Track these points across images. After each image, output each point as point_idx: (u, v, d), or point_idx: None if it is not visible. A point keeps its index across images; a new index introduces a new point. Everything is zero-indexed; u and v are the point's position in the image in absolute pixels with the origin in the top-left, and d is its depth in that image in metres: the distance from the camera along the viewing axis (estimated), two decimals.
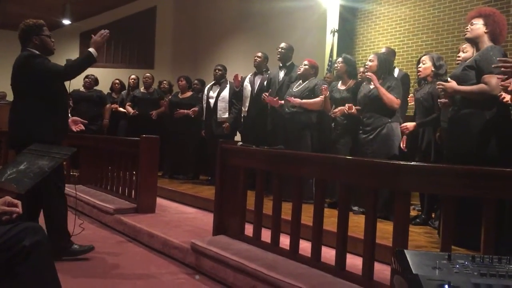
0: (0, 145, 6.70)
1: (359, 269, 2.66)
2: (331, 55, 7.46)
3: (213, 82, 6.49)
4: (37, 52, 3.45)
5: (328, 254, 3.00)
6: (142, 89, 7.34)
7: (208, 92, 6.42)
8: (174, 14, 11.52)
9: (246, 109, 5.98)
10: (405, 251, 1.22)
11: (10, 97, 9.63)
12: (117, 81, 8.12)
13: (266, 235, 3.35)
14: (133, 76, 7.86)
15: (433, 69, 4.24)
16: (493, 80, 3.17)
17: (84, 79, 7.13)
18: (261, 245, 3.33)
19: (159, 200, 5.13)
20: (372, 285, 2.55)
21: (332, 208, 4.37)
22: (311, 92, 5.04)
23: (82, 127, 3.86)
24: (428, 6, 7.02)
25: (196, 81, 7.26)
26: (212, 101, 6.33)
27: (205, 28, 10.72)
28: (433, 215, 4.18)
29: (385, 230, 3.38)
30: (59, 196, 3.55)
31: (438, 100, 3.86)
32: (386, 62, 4.55)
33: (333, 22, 7.61)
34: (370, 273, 2.58)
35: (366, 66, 4.59)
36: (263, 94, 5.58)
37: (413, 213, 4.41)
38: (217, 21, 10.28)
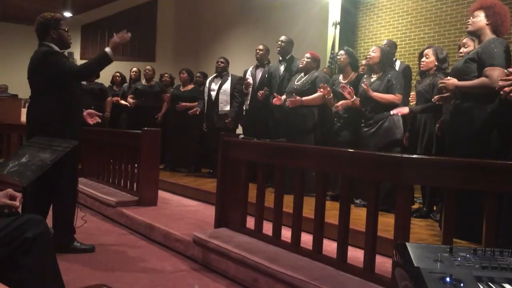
0: (3, 137, 6.69)
1: (361, 262, 2.67)
2: (332, 48, 7.43)
3: (215, 74, 6.47)
4: (55, 48, 3.47)
5: (330, 246, 3.01)
6: (143, 81, 7.33)
7: (210, 84, 6.41)
8: (175, 6, 11.48)
9: (248, 102, 5.97)
10: (407, 244, 1.22)
11: (12, 89, 9.64)
12: (118, 74, 8.11)
13: (267, 227, 3.36)
14: (134, 69, 7.84)
15: (436, 63, 4.22)
16: (495, 72, 3.15)
17: None
18: (263, 238, 3.34)
19: (161, 193, 5.14)
20: (373, 278, 2.56)
21: (333, 201, 4.38)
22: (313, 85, 5.03)
23: (98, 120, 3.90)
24: None
25: (198, 74, 7.24)
26: (213, 93, 6.32)
27: (206, 20, 10.70)
28: (434, 208, 4.19)
29: (386, 223, 3.38)
30: (73, 194, 3.59)
31: (439, 95, 3.86)
32: (388, 54, 4.54)
33: (335, 14, 7.58)
34: (371, 265, 2.59)
35: (368, 57, 4.57)
36: (258, 93, 5.57)
37: (414, 205, 4.42)
38: (219, 13, 10.25)
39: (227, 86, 6.25)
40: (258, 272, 2.90)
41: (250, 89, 5.92)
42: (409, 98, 4.83)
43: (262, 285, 2.87)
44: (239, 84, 6.18)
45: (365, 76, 4.65)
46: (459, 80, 3.37)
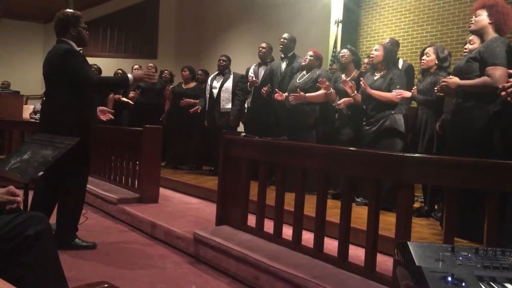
0: (5, 134, 6.71)
1: (362, 260, 2.67)
2: (335, 46, 7.42)
3: (217, 72, 6.47)
4: (75, 47, 3.47)
5: (331, 245, 3.01)
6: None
7: (212, 82, 6.41)
8: (177, 4, 11.46)
9: (250, 99, 5.97)
10: (408, 243, 1.22)
11: (14, 86, 9.65)
12: (120, 71, 8.10)
13: (268, 225, 3.36)
14: (136, 66, 7.85)
15: (436, 61, 4.22)
16: (497, 72, 3.15)
17: None
18: (264, 236, 3.34)
19: (162, 190, 5.15)
20: (374, 276, 2.56)
21: (335, 199, 4.38)
22: (315, 83, 5.02)
23: (111, 116, 3.91)
24: None
25: (200, 72, 7.25)
26: (215, 91, 6.32)
27: (208, 18, 10.68)
28: (435, 207, 4.19)
29: (387, 222, 3.38)
30: (81, 192, 3.61)
31: (441, 85, 3.86)
32: (391, 52, 4.53)
33: (337, 12, 7.56)
34: (372, 264, 2.59)
35: (372, 56, 4.56)
36: (262, 89, 5.58)
37: (416, 204, 4.41)
38: (221, 11, 10.23)
39: (229, 84, 6.25)
40: (259, 270, 2.90)
41: (253, 87, 5.93)
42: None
43: (263, 283, 2.87)
44: (241, 82, 6.19)
45: (367, 74, 4.65)
46: (461, 79, 3.36)
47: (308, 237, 3.11)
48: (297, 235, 3.10)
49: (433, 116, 4.14)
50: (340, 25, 7.53)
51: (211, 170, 6.54)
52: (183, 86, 7.00)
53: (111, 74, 8.09)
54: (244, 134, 3.82)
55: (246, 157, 3.57)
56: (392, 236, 2.77)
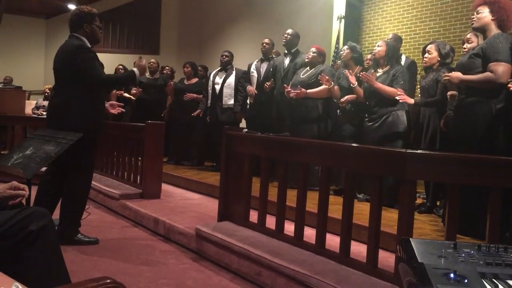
0: (7, 129, 6.72)
1: (364, 257, 2.67)
2: (337, 42, 7.40)
3: (219, 68, 6.46)
4: (87, 43, 3.47)
5: (333, 241, 3.01)
6: (147, 74, 7.32)
7: (214, 78, 6.40)
8: None
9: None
10: (411, 239, 1.22)
11: (16, 81, 9.64)
12: (121, 66, 8.09)
13: (270, 221, 3.36)
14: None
15: (439, 58, 4.21)
16: (500, 68, 3.14)
17: None
18: (266, 232, 3.35)
19: (164, 186, 5.16)
20: (376, 273, 2.56)
21: (337, 196, 4.38)
22: (318, 79, 5.01)
23: (122, 109, 3.94)
24: None
25: (199, 68, 7.24)
26: (217, 87, 6.31)
27: (210, 14, 10.65)
28: (438, 203, 4.19)
29: (389, 218, 3.39)
30: (85, 188, 3.62)
31: (448, 93, 3.86)
32: (394, 49, 4.52)
33: (339, 8, 7.53)
34: (374, 260, 2.59)
35: (374, 52, 4.55)
36: (265, 84, 5.57)
37: (418, 201, 4.41)
38: (223, 7, 10.21)
39: (231, 80, 6.24)
40: (261, 266, 2.90)
41: (254, 84, 5.93)
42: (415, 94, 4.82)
43: (265, 279, 2.87)
44: (243, 78, 6.18)
45: (370, 70, 4.63)
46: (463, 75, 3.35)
47: (310, 233, 3.11)
48: (299, 231, 3.11)
49: (436, 113, 4.13)
50: (343, 20, 7.50)
51: (213, 166, 6.54)
52: (185, 82, 7.00)
53: (112, 69, 8.12)
54: (246, 130, 3.82)
55: (248, 153, 3.57)
56: (394, 233, 2.77)
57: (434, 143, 4.10)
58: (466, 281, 1.03)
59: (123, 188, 4.97)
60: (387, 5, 7.63)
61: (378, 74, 4.43)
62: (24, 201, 2.04)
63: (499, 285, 1.07)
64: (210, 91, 6.42)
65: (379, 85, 4.30)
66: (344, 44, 6.12)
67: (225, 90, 6.23)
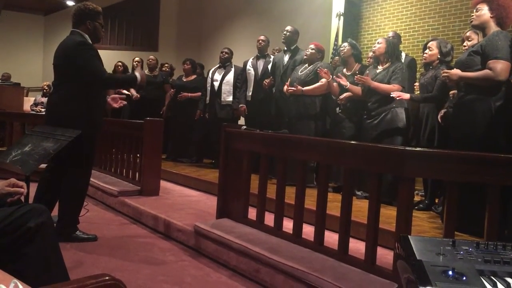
0: (6, 126, 6.71)
1: (362, 254, 2.67)
2: (336, 39, 7.39)
3: (218, 65, 6.45)
4: (88, 40, 3.46)
5: (331, 238, 3.01)
6: (146, 71, 7.32)
7: (213, 75, 6.40)
8: None
9: (250, 93, 5.96)
10: (409, 237, 1.23)
11: (14, 78, 9.62)
12: (120, 63, 8.08)
13: (269, 219, 3.36)
14: (137, 59, 7.82)
15: (439, 56, 4.21)
16: (498, 65, 3.14)
17: None
18: (264, 229, 3.35)
19: (163, 183, 5.16)
20: (374, 270, 2.57)
21: (335, 193, 4.38)
22: (316, 76, 5.02)
23: (124, 102, 3.90)
24: None
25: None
26: (216, 84, 6.31)
27: (210, 11, 10.64)
28: (436, 201, 4.19)
29: (388, 215, 3.39)
30: (84, 185, 3.62)
31: (450, 92, 3.86)
32: (394, 45, 4.52)
33: (338, 5, 7.52)
34: (372, 257, 2.59)
35: (374, 49, 4.54)
36: (264, 81, 5.57)
37: (416, 198, 4.42)
38: (222, 3, 10.19)
39: (230, 76, 6.24)
40: (260, 263, 2.91)
41: (252, 81, 5.93)
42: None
43: (264, 276, 2.88)
44: (242, 75, 6.17)
45: (370, 67, 4.64)
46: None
47: (308, 230, 3.11)
48: (297, 228, 3.11)
49: (434, 110, 4.13)
50: (342, 18, 7.50)
51: (212, 163, 6.55)
52: (183, 79, 6.99)
53: (111, 66, 8.10)
54: (245, 127, 3.82)
55: (247, 150, 3.57)
56: (392, 230, 2.77)
57: (432, 140, 4.10)
58: (464, 278, 1.03)
59: (121, 185, 4.97)
60: (386, 2, 7.62)
61: (377, 71, 4.43)
62: (22, 198, 2.04)
63: (498, 283, 1.07)
64: (209, 88, 6.41)
65: (376, 84, 4.31)
66: (343, 41, 6.11)
67: (224, 87, 6.23)
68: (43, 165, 3.45)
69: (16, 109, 7.33)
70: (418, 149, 2.64)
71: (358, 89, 4.57)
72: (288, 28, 5.63)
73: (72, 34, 3.49)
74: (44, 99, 8.49)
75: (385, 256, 2.80)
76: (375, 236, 2.60)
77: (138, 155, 5.02)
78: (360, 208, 3.64)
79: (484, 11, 3.30)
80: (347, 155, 2.84)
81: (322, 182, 2.98)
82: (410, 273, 1.09)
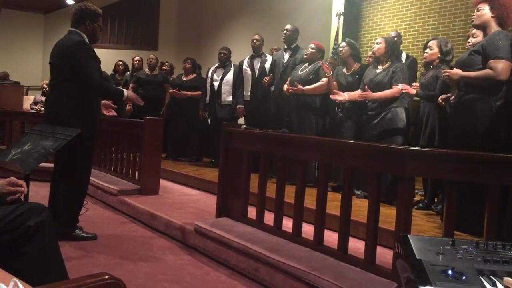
0: (5, 125, 6.70)
1: (361, 253, 2.68)
2: (336, 39, 7.39)
3: (217, 64, 6.45)
4: (87, 40, 3.47)
5: (331, 237, 3.01)
6: (146, 70, 7.32)
7: (212, 75, 6.39)
8: None
9: (249, 93, 5.96)
10: (409, 236, 1.23)
11: (12, 76, 9.62)
12: (121, 62, 8.09)
13: (269, 218, 3.36)
14: (137, 58, 7.82)
15: (439, 55, 4.21)
16: (499, 65, 3.14)
17: None
18: (264, 228, 3.35)
19: (163, 182, 5.16)
20: (374, 269, 2.57)
21: (335, 192, 4.38)
22: (316, 75, 5.01)
23: (114, 113, 3.92)
24: None
25: None
26: (216, 84, 6.30)
27: (209, 10, 10.64)
28: (436, 200, 4.19)
29: (387, 214, 3.39)
30: (84, 184, 3.62)
31: (446, 70, 3.84)
32: (394, 45, 4.51)
33: (339, 4, 7.52)
34: (372, 257, 2.59)
35: (374, 49, 4.54)
36: (264, 79, 5.58)
37: (416, 197, 4.42)
38: (222, 3, 10.19)
39: (229, 76, 6.23)
40: (259, 262, 2.91)
41: (249, 81, 5.93)
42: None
43: (263, 275, 2.88)
44: (239, 75, 6.16)
45: (370, 67, 4.63)
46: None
47: (308, 230, 3.11)
48: (297, 227, 3.11)
49: (434, 110, 4.13)
50: (342, 17, 7.49)
51: (212, 162, 6.54)
52: (182, 78, 6.99)
53: (111, 65, 8.10)
54: (244, 126, 3.82)
55: (246, 149, 3.57)
56: (392, 229, 2.77)
57: (432, 140, 4.10)
58: (464, 277, 1.03)
59: (121, 184, 4.97)
60: (386, 2, 7.61)
61: (377, 71, 4.43)
62: (22, 197, 2.04)
63: (497, 282, 1.07)
64: (208, 88, 6.41)
65: (378, 95, 4.29)
66: (343, 41, 6.11)
67: (223, 87, 6.22)
68: (43, 164, 3.45)
69: (15, 108, 7.32)
70: (418, 148, 2.64)
71: (333, 84, 4.58)
72: (288, 27, 5.63)
73: (70, 33, 3.49)
74: (44, 98, 8.49)
75: (384, 255, 2.80)
76: (374, 236, 2.60)
77: (137, 154, 5.02)
78: (360, 207, 3.64)
79: (485, 11, 3.30)
80: (347, 154, 2.84)
81: (321, 181, 2.98)
82: (409, 272, 1.09)
